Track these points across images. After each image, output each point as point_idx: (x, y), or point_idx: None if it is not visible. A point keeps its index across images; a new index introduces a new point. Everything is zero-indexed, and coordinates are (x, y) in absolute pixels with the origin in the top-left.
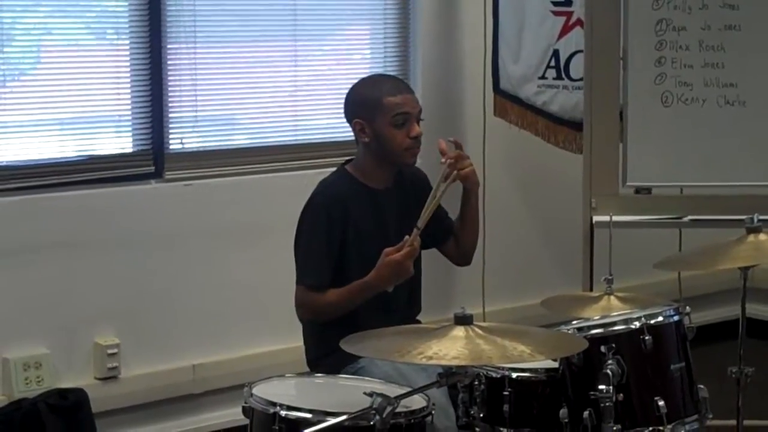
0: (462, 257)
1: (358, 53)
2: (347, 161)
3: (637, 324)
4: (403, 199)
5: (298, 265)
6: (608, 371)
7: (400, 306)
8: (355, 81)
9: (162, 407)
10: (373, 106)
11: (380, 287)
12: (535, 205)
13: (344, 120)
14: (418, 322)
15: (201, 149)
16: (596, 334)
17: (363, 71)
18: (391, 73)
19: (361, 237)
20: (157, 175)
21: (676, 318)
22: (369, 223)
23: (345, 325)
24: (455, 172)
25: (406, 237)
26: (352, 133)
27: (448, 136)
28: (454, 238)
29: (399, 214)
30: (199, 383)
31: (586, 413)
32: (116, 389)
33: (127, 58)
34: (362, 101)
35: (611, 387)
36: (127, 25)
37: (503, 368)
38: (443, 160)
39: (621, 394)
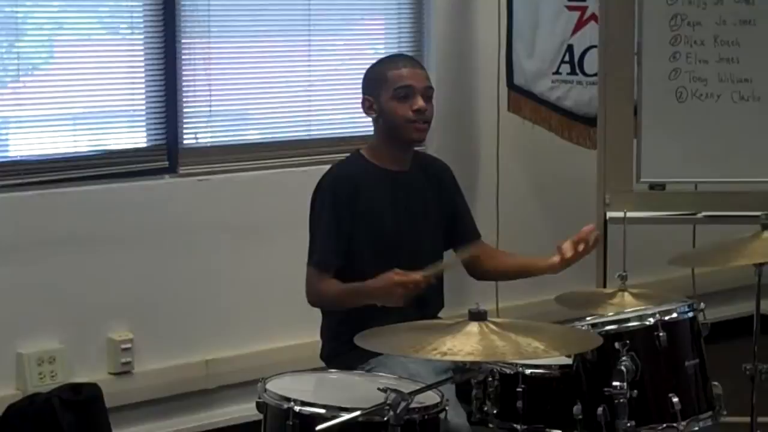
0: (481, 275)
1: (372, 48)
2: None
3: (652, 320)
4: (421, 185)
5: (309, 245)
6: (622, 368)
7: (411, 302)
8: None
9: (175, 402)
10: (379, 80)
11: (370, 298)
12: (549, 200)
13: (358, 115)
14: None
15: (215, 144)
16: (610, 330)
17: None
18: None
19: (373, 216)
20: (171, 170)
21: (690, 314)
22: (381, 203)
23: (359, 322)
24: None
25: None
26: (365, 128)
27: (461, 130)
28: (489, 260)
29: (415, 199)
30: (212, 378)
31: (600, 409)
32: (129, 384)
33: (141, 53)
34: (370, 77)
35: (625, 383)
36: (141, 20)
37: (517, 364)
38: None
39: (635, 391)
